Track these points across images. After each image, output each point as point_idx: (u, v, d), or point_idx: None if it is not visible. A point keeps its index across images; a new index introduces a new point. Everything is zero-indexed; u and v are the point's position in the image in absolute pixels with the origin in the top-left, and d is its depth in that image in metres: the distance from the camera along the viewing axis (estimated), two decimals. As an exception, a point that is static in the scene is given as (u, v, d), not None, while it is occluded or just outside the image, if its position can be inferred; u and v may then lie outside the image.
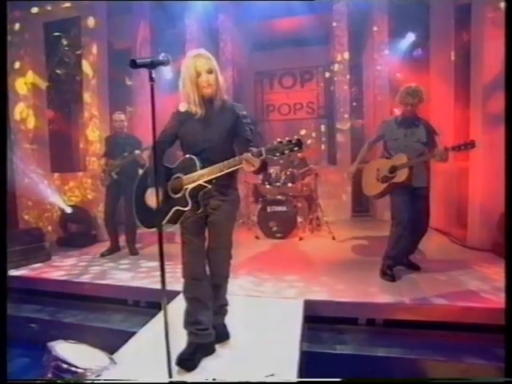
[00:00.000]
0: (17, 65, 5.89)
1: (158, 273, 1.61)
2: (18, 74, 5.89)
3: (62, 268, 3.87)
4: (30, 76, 5.92)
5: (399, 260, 3.17)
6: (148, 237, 5.13)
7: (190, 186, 1.87)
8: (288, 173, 5.05)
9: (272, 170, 5.15)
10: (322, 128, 8.09)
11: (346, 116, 6.22)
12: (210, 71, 1.90)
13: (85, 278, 3.47)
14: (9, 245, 3.87)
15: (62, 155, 6.16)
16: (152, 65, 1.55)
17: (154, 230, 1.85)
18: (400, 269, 3.25)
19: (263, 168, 1.79)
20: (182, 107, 2.00)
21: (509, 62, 1.93)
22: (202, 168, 1.85)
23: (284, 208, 4.82)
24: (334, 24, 6.34)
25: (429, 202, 3.15)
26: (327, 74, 7.58)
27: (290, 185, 5.01)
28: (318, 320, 2.61)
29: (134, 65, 1.49)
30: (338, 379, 1.77)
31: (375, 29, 6.17)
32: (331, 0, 6.19)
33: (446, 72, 5.10)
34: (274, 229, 4.86)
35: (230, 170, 1.79)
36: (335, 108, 6.35)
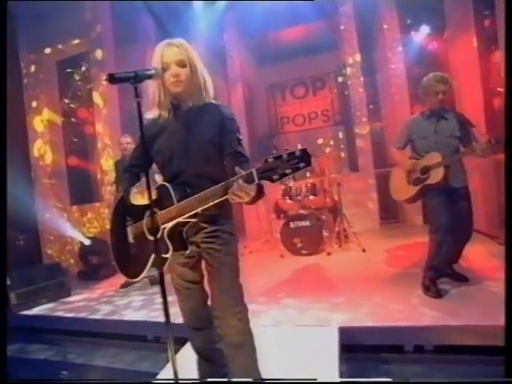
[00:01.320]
0: (34, 104, 6.03)
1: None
2: (36, 112, 6.02)
3: (75, 305, 3.74)
4: (46, 113, 6.04)
5: (443, 271, 2.80)
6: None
7: (168, 226, 1.43)
8: (309, 185, 4.77)
9: (291, 184, 4.89)
10: (340, 135, 7.80)
11: (364, 120, 5.92)
12: (181, 64, 1.48)
13: (96, 315, 3.31)
14: (28, 282, 3.81)
15: (80, 187, 6.17)
16: (136, 79, 1.29)
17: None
18: (445, 281, 2.88)
19: (260, 195, 1.33)
20: (150, 114, 1.59)
21: (509, 60, 1.82)
22: (179, 199, 1.40)
23: (307, 223, 4.53)
24: (342, 27, 6.14)
25: (471, 202, 2.79)
26: (340, 79, 7.33)
27: (311, 197, 4.73)
28: (357, 349, 2.29)
29: (113, 79, 1.26)
30: (337, 379, 1.76)
31: (385, 26, 5.91)
32: (336, 1, 5.99)
33: (469, 61, 4.75)
34: (299, 245, 4.56)
35: (215, 202, 1.33)
36: (352, 112, 6.07)
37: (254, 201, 1.32)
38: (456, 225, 2.68)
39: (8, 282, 3.55)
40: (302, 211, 4.62)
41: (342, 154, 7.68)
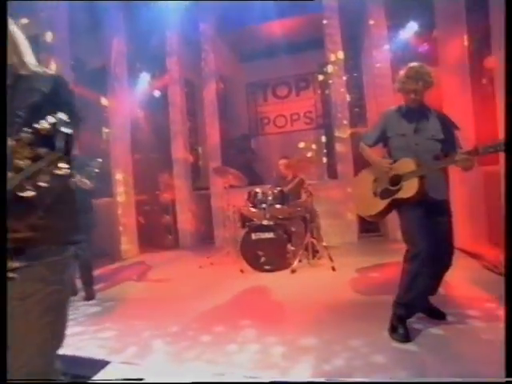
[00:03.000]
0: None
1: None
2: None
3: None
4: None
5: (417, 307, 2.26)
6: (111, 275, 4.39)
7: None
8: (276, 192, 4.22)
9: (258, 189, 4.35)
10: (323, 139, 7.29)
11: (345, 122, 5.42)
12: None
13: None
14: None
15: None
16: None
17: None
18: (420, 317, 2.35)
19: None
20: None
21: (509, 61, 1.67)
22: None
23: (271, 235, 3.99)
24: (325, 21, 5.65)
25: (452, 221, 2.27)
26: (321, 77, 6.83)
27: (278, 206, 4.17)
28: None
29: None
30: (338, 379, 1.73)
31: (371, 22, 5.44)
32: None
33: (458, 60, 4.27)
34: (262, 260, 4.01)
35: None
36: (332, 114, 5.56)
37: None
38: (436, 251, 2.15)
39: None
40: (265, 222, 4.07)
41: (324, 160, 7.17)
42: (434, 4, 4.65)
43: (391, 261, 3.83)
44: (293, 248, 4.14)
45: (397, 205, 2.23)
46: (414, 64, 2.26)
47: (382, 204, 2.26)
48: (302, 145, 7.43)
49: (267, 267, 3.97)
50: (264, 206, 4.17)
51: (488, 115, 3.57)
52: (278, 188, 4.32)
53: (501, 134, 2.91)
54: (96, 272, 4.23)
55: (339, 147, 5.48)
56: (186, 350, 2.21)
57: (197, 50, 6.46)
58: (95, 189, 3.19)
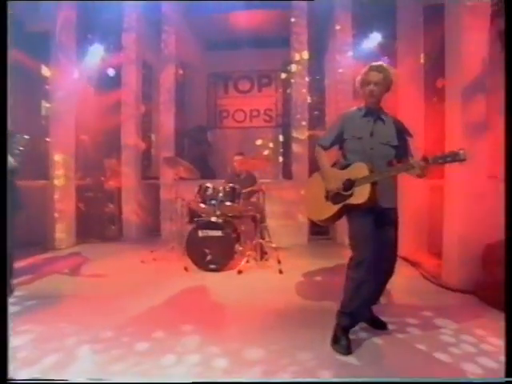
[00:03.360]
0: None
1: None
2: None
3: None
4: None
5: (361, 316, 2.24)
6: (40, 267, 3.96)
7: None
8: (228, 188, 4.06)
9: (209, 184, 4.15)
10: (281, 138, 7.25)
11: (304, 123, 5.39)
12: None
13: None
14: None
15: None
16: None
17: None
18: (363, 327, 2.33)
19: None
20: None
21: (509, 62, 1.75)
22: None
23: (219, 233, 3.82)
24: (293, 20, 5.57)
25: (397, 230, 2.28)
26: (283, 75, 6.77)
27: (228, 203, 4.01)
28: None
29: None
30: (338, 379, 1.74)
31: (338, 27, 5.46)
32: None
33: (414, 74, 4.41)
34: (208, 258, 3.83)
35: None
36: (292, 114, 5.51)
37: None
38: (380, 259, 2.14)
39: None
40: (214, 219, 3.90)
41: (280, 159, 7.14)
42: (397, 19, 4.77)
43: (339, 262, 3.84)
44: (241, 248, 4.02)
45: (347, 210, 2.19)
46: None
47: (334, 209, 2.19)
48: (259, 142, 7.34)
49: (213, 266, 3.81)
50: (214, 202, 3.99)
51: (437, 130, 3.71)
52: (231, 184, 4.16)
53: (447, 148, 3.00)
54: (21, 263, 3.81)
55: (296, 148, 5.45)
56: (116, 360, 1.98)
57: (157, 31, 6.08)
58: (20, 168, 2.82)
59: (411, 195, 4.16)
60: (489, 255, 2.96)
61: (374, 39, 5.12)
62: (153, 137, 6.96)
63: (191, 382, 1.65)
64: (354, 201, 2.11)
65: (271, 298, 3.06)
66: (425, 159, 1.97)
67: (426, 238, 4.42)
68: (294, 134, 5.40)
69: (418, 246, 4.37)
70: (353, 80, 5.29)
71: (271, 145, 7.30)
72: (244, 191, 4.17)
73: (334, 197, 2.21)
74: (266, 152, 7.28)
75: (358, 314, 2.18)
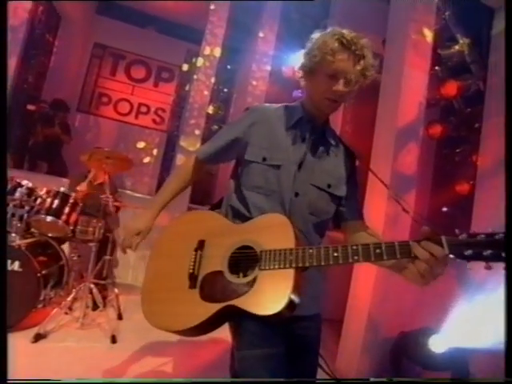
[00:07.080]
0: None
1: None
2: None
3: None
4: None
5: None
6: None
7: None
8: (52, 194, 2.54)
9: (25, 182, 2.57)
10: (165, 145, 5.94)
11: (198, 133, 4.22)
12: None
13: None
14: None
15: None
16: None
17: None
18: None
19: None
20: None
21: (509, 62, 1.54)
22: None
23: (16, 266, 2.26)
24: (212, 7, 4.51)
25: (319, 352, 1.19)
26: (185, 67, 5.60)
27: (49, 219, 2.48)
28: None
29: None
30: (337, 379, 1.73)
31: (261, 35, 4.62)
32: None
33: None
34: None
35: None
36: (185, 117, 4.31)
37: None
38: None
39: None
40: (15, 242, 2.32)
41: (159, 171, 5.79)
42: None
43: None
44: (51, 293, 2.49)
45: (232, 315, 1.01)
46: None
47: (210, 309, 0.98)
48: (141, 145, 5.86)
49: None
50: (22, 213, 2.42)
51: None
52: (62, 189, 2.65)
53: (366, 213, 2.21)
54: None
55: (180, 161, 4.21)
56: None
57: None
58: None
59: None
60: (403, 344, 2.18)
61: (298, 57, 4.40)
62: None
63: (191, 381, 1.62)
64: (251, 307, 0.93)
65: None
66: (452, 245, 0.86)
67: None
68: (183, 142, 4.17)
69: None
70: (265, 98, 4.50)
71: (155, 152, 5.90)
72: (88, 203, 2.72)
73: (207, 281, 1.01)
74: (146, 159, 5.83)
75: None
